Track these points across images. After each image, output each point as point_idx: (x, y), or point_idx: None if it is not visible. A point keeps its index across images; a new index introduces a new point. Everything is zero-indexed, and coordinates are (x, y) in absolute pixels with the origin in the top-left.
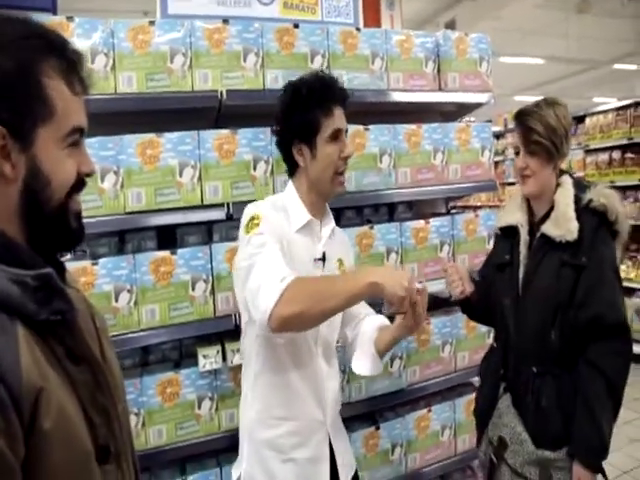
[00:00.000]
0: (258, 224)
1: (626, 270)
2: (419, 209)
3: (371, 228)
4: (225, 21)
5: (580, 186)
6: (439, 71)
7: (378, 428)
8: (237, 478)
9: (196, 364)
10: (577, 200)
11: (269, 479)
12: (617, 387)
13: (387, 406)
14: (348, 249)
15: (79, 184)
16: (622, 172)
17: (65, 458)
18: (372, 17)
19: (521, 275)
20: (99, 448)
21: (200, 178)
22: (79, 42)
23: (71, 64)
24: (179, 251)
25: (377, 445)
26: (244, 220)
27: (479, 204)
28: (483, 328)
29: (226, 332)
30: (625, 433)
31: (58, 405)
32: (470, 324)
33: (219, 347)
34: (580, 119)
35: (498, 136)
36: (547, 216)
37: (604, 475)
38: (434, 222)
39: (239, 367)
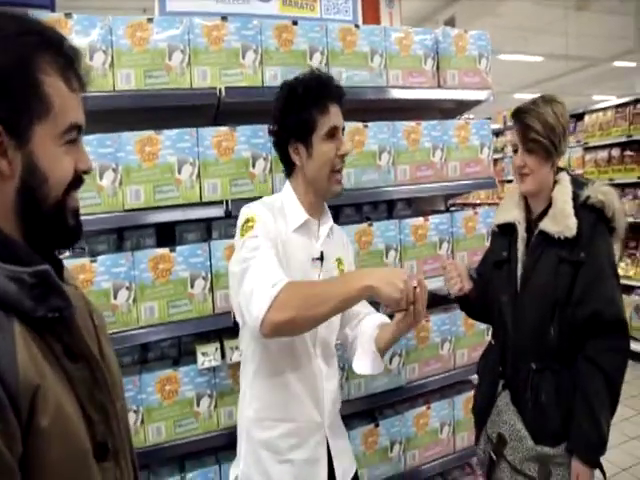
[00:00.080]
0: (252, 227)
1: (625, 268)
2: (418, 206)
3: (370, 225)
4: (224, 18)
5: (577, 183)
6: (438, 68)
7: (377, 425)
8: (235, 478)
9: (195, 361)
10: (575, 197)
11: None
12: (615, 383)
13: (386, 403)
14: (348, 248)
15: (76, 181)
16: (621, 170)
17: (63, 455)
18: (371, 14)
19: (519, 272)
20: (97, 445)
21: (199, 175)
22: (77, 39)
23: (68, 61)
24: (178, 248)
25: (376, 442)
26: (239, 222)
27: (478, 202)
28: (482, 325)
29: (225, 329)
30: (623, 430)
31: (55, 402)
32: (469, 321)
33: (218, 344)
34: (579, 117)
35: (497, 134)
36: (544, 213)
37: (602, 470)
38: (433, 219)
39: (238, 364)
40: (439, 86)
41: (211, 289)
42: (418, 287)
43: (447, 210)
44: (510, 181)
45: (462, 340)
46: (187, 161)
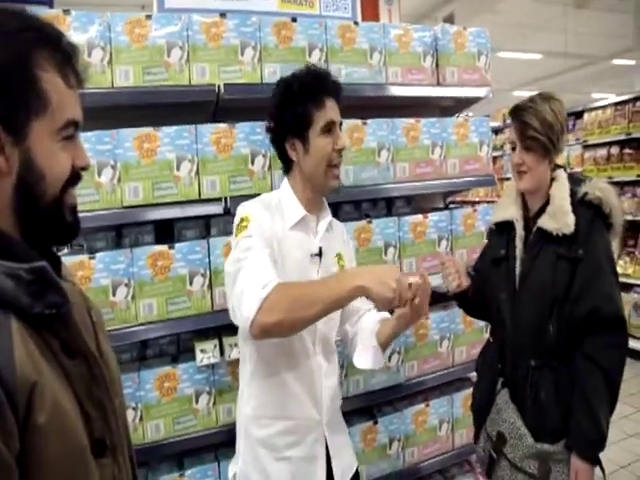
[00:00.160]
0: (246, 226)
1: (624, 266)
2: (417, 204)
3: (369, 222)
4: (222, 15)
5: (575, 180)
6: (437, 65)
7: (376, 422)
8: (233, 475)
9: (194, 358)
10: (572, 194)
11: (264, 478)
12: (614, 380)
13: (385, 400)
14: (348, 243)
15: (74, 178)
16: (620, 168)
17: (60, 452)
18: (370, 11)
19: (517, 270)
20: (95, 442)
21: (198, 172)
22: (76, 35)
23: (66, 57)
24: (177, 245)
25: (375, 439)
26: (235, 222)
27: (477, 199)
28: (481, 323)
29: (224, 326)
30: (622, 428)
31: (53, 399)
32: (468, 319)
33: (216, 341)
34: (578, 114)
35: (496, 131)
36: (542, 210)
37: (601, 467)
38: (432, 217)
39: (237, 361)
40: (438, 83)
41: (210, 286)
42: (420, 281)
43: (446, 207)
44: (509, 179)
45: (461, 337)
46: (186, 158)
